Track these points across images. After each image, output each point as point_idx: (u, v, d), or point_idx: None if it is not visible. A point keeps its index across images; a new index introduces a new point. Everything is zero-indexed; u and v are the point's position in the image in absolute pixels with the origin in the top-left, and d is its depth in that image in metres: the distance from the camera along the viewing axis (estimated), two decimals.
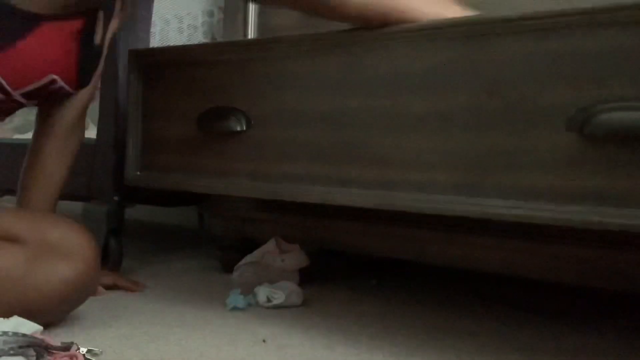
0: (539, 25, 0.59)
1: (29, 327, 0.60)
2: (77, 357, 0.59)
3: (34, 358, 0.58)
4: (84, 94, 0.88)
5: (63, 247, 0.71)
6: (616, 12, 0.55)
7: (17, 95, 0.76)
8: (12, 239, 0.70)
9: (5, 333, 0.57)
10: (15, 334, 0.58)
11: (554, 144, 0.58)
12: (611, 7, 0.55)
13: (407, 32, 0.68)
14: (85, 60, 0.83)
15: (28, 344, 0.58)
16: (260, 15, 1.10)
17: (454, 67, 0.65)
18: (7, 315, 0.64)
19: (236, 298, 0.87)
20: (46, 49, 0.75)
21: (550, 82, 0.59)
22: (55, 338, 0.65)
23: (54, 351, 0.61)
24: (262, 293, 0.89)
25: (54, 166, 0.91)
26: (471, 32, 0.63)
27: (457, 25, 0.64)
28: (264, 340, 0.73)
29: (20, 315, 0.64)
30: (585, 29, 0.57)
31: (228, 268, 1.11)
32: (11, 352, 0.56)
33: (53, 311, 0.72)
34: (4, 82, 0.72)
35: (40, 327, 0.62)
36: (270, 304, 0.88)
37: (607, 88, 0.56)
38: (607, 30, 0.56)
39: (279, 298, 0.89)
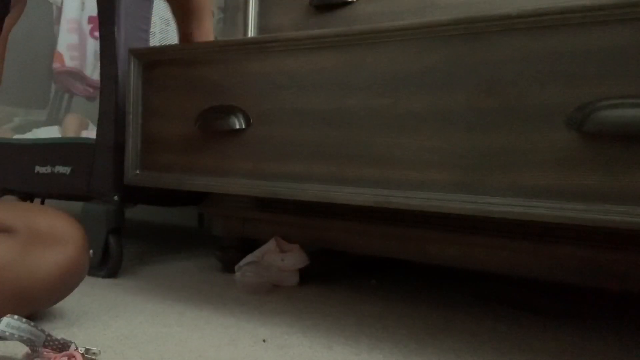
0: (538, 23, 0.59)
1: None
2: (75, 357, 0.59)
3: (35, 343, 0.58)
4: None
5: (52, 233, 0.72)
6: (615, 10, 0.55)
7: None
8: (2, 230, 0.72)
9: (11, 316, 0.58)
10: (19, 318, 0.58)
11: (553, 142, 0.58)
12: (610, 5, 0.55)
13: (407, 31, 0.68)
14: None
15: (30, 331, 0.58)
16: (260, 15, 1.10)
17: (453, 65, 0.65)
18: (3, 302, 0.66)
19: None
20: None
21: (549, 80, 0.59)
22: None
23: (52, 351, 0.61)
24: None
25: None
26: (470, 30, 0.63)
27: (455, 23, 0.64)
28: (264, 340, 0.73)
29: (16, 302, 0.66)
30: (583, 26, 0.57)
31: (228, 268, 1.12)
32: (14, 337, 0.57)
33: (47, 297, 0.73)
34: None
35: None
36: None
37: (606, 86, 0.56)
38: (605, 27, 0.56)
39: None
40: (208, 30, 0.99)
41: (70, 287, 0.75)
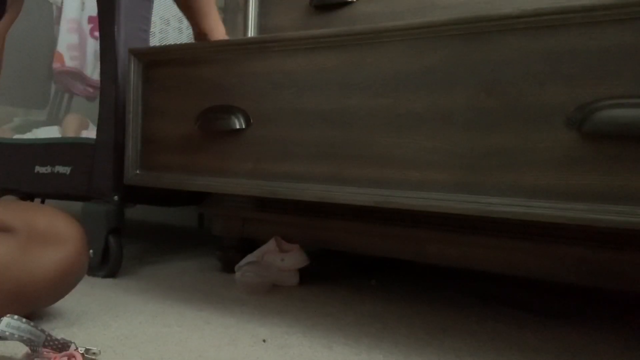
0: (538, 23, 0.59)
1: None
2: (75, 357, 0.59)
3: (35, 343, 0.58)
4: None
5: (52, 233, 0.73)
6: (615, 10, 0.55)
7: None
8: (1, 229, 0.72)
9: (11, 316, 0.58)
10: (19, 318, 0.58)
11: (553, 142, 0.58)
12: (610, 5, 0.55)
13: (407, 31, 0.68)
14: None
15: (30, 331, 0.58)
16: (260, 15, 1.10)
17: (453, 65, 0.65)
18: (3, 301, 0.66)
19: None
20: None
21: (549, 80, 0.59)
22: None
23: (52, 351, 0.61)
24: None
25: None
26: (470, 30, 0.63)
27: (455, 23, 0.64)
28: (264, 340, 0.73)
29: (16, 300, 0.66)
30: (583, 26, 0.57)
31: (228, 268, 1.12)
32: (14, 337, 0.57)
33: (47, 295, 0.73)
34: None
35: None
36: None
37: (606, 86, 0.56)
38: (605, 27, 0.56)
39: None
40: (215, 24, 0.99)
41: (69, 286, 0.76)
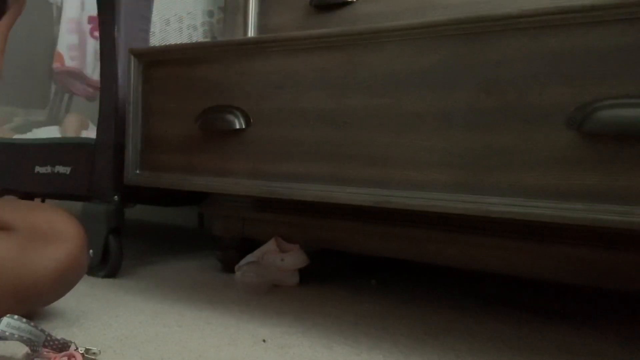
0: (538, 23, 0.59)
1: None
2: (75, 357, 0.59)
3: (35, 343, 0.58)
4: None
5: (51, 230, 0.73)
6: (615, 10, 0.55)
7: None
8: (1, 227, 0.72)
9: (11, 316, 0.58)
10: (19, 318, 0.58)
11: (553, 142, 0.58)
12: (610, 5, 0.55)
13: (407, 31, 0.68)
14: None
15: (30, 331, 0.58)
16: (260, 15, 1.10)
17: (453, 65, 0.65)
18: (4, 300, 0.66)
19: None
20: None
21: (549, 80, 0.59)
22: None
23: (52, 351, 0.61)
24: None
25: None
26: (470, 30, 0.63)
27: (455, 23, 0.64)
28: (264, 340, 0.73)
29: (16, 299, 0.66)
30: (583, 26, 0.57)
31: (228, 268, 1.12)
32: (14, 337, 0.57)
33: (47, 293, 0.73)
34: None
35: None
36: None
37: (606, 85, 0.56)
38: (605, 27, 0.56)
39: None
40: None
41: (70, 284, 0.75)
